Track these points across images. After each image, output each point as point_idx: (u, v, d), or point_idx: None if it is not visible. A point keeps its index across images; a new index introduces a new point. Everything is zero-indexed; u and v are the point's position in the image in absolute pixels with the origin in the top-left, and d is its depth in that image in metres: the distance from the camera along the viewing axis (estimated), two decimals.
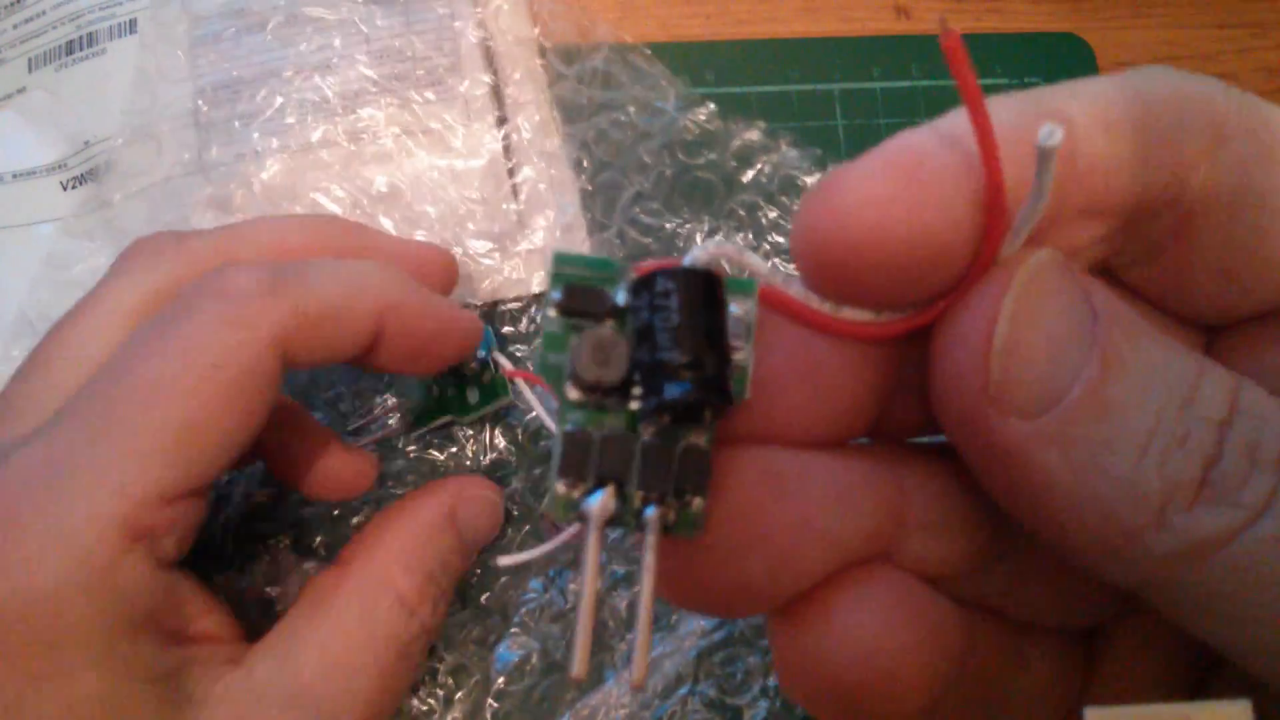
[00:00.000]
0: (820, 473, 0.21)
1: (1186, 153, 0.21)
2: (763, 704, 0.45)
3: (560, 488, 0.19)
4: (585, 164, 0.52)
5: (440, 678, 0.46)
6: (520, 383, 0.47)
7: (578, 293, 0.20)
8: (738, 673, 0.46)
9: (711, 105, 0.53)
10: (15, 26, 0.53)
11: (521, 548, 0.47)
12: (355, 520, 0.48)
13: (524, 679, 0.46)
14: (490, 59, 0.52)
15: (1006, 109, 0.20)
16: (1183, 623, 0.19)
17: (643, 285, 0.19)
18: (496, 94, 0.52)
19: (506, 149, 0.51)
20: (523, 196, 0.51)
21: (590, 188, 0.52)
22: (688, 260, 0.20)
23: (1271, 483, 0.18)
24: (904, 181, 0.19)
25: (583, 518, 0.19)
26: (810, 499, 0.21)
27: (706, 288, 0.19)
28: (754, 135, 0.53)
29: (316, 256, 0.36)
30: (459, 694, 0.46)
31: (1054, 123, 0.17)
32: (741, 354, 0.20)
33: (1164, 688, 0.24)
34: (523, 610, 0.47)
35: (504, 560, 0.47)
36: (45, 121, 0.52)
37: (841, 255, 0.19)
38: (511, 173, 0.51)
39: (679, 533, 0.19)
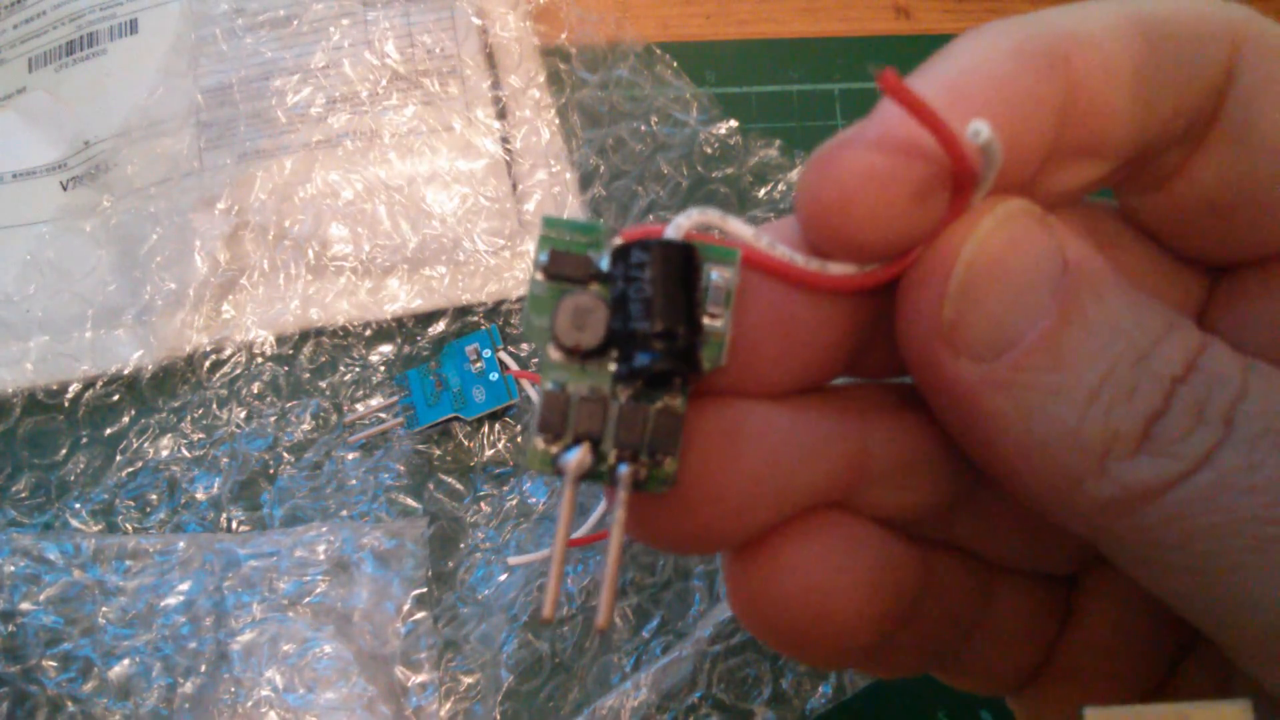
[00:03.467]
0: (780, 426, 0.22)
1: (1194, 93, 0.21)
2: (772, 710, 0.45)
3: (539, 443, 0.20)
4: (602, 170, 0.53)
5: (444, 675, 0.46)
6: (525, 383, 0.47)
7: (563, 258, 0.21)
8: (749, 678, 0.46)
9: (733, 122, 0.54)
10: (15, 26, 0.53)
11: (525, 549, 0.47)
12: (323, 549, 0.47)
13: (533, 680, 0.46)
14: (503, 61, 0.52)
15: (1002, 51, 0.20)
16: (1130, 571, 0.20)
17: (620, 255, 0.20)
18: (510, 96, 0.52)
19: (519, 150, 0.51)
20: (535, 198, 0.51)
21: (605, 193, 0.52)
22: (670, 228, 0.21)
23: (1214, 437, 0.18)
24: (894, 151, 0.20)
25: (559, 472, 0.20)
26: (765, 452, 0.21)
27: (681, 259, 0.20)
28: (772, 153, 0.53)
29: None
30: (467, 693, 0.45)
31: (981, 121, 0.18)
32: (720, 321, 0.21)
33: (1141, 636, 0.25)
34: (531, 610, 0.46)
35: (514, 560, 0.48)
36: (45, 121, 0.52)
37: (841, 220, 0.20)
38: (522, 174, 0.51)
39: (650, 489, 0.20)
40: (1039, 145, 0.21)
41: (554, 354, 0.20)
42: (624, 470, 0.20)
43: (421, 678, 0.45)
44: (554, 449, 0.20)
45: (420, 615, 0.46)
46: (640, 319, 0.19)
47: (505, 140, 0.51)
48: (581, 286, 0.21)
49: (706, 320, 0.21)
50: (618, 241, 0.21)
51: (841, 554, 0.22)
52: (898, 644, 0.24)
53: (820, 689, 0.46)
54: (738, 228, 0.21)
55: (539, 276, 0.21)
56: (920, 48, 0.55)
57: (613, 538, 0.20)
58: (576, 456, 0.20)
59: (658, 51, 0.54)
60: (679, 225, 0.21)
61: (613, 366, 0.20)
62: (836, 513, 0.23)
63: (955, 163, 0.19)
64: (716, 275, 0.21)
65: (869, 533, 0.23)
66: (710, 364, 0.21)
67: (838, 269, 0.21)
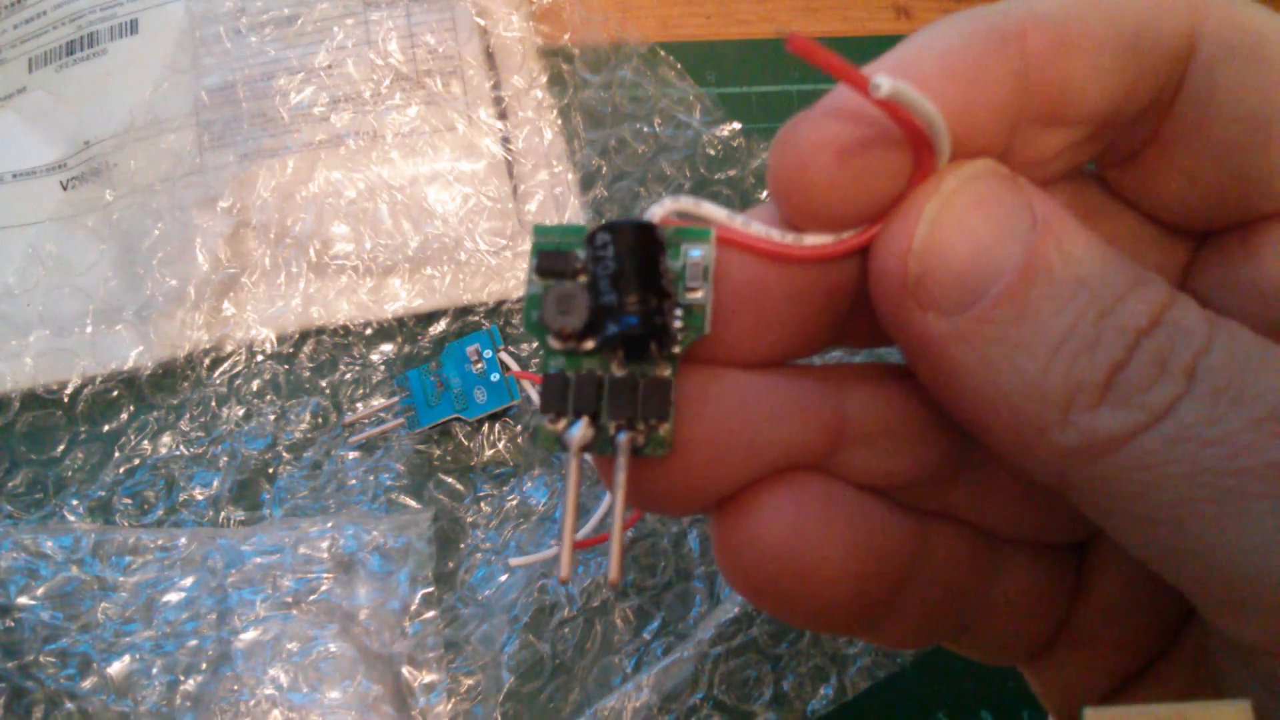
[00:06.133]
0: (751, 386, 0.23)
1: (1155, 60, 0.21)
2: (774, 711, 0.45)
3: (545, 424, 0.22)
4: (604, 171, 0.53)
5: (445, 677, 0.45)
6: (526, 384, 0.47)
7: (550, 256, 0.22)
8: (750, 679, 0.46)
9: (736, 124, 0.54)
10: (15, 27, 0.53)
11: (526, 550, 0.47)
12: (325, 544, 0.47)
13: (534, 681, 0.45)
14: (505, 61, 0.53)
15: (955, 30, 0.21)
16: (1099, 522, 0.21)
17: (589, 241, 0.22)
18: (512, 96, 0.52)
19: (521, 151, 0.51)
20: (536, 198, 0.51)
21: (607, 195, 0.52)
22: (647, 215, 0.22)
23: (1177, 390, 0.19)
24: (846, 119, 0.21)
25: (565, 446, 0.22)
26: (733, 409, 0.22)
27: (640, 236, 0.21)
28: None
29: None
30: (468, 694, 0.45)
31: (884, 75, 0.18)
32: (700, 294, 0.22)
33: (1152, 600, 0.25)
34: (533, 610, 0.46)
35: (514, 561, 0.47)
36: (45, 121, 0.52)
37: (802, 189, 0.21)
38: (524, 175, 0.51)
39: (649, 453, 0.22)
40: (998, 113, 0.21)
41: (553, 343, 0.22)
42: (622, 437, 0.21)
43: (429, 678, 0.45)
44: (559, 427, 0.22)
45: (429, 615, 0.46)
46: (608, 293, 0.21)
47: (507, 141, 0.51)
48: (570, 279, 0.22)
49: (688, 294, 0.22)
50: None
51: (818, 511, 0.23)
52: (897, 613, 0.24)
53: (821, 690, 0.46)
54: (711, 210, 0.22)
55: (534, 277, 0.23)
56: None
57: (617, 498, 0.21)
58: (579, 430, 0.21)
59: (661, 53, 0.54)
60: (654, 212, 0.22)
61: (590, 344, 0.22)
62: (813, 472, 0.23)
63: (897, 123, 0.20)
64: (695, 253, 0.22)
65: (848, 494, 0.24)
66: (695, 333, 0.22)
67: (812, 240, 0.22)
